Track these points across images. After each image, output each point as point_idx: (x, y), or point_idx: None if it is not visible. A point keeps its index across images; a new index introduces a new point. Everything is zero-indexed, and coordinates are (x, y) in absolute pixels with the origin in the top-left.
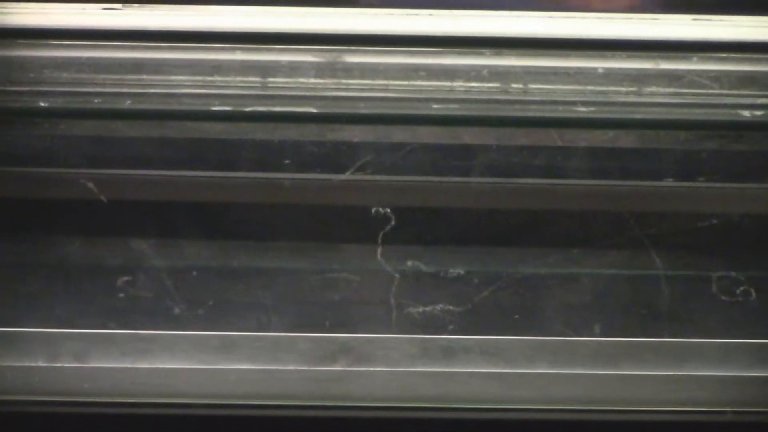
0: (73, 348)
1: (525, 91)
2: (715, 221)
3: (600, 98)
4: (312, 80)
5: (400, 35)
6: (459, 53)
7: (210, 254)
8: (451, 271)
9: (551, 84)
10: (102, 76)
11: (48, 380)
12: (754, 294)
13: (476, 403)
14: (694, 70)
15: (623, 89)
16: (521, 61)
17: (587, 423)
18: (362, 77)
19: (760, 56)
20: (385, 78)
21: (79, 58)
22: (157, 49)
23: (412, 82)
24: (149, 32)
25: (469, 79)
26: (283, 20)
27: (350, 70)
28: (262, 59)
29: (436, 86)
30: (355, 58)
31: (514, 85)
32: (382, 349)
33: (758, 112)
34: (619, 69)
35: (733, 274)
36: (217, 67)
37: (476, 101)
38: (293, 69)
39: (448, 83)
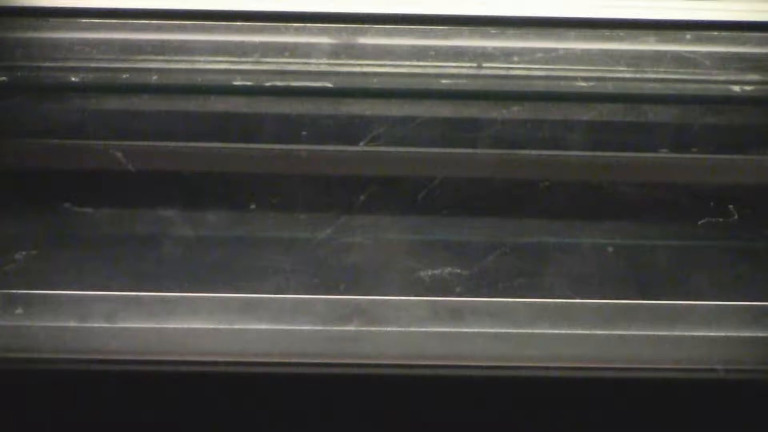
0: (102, 309)
1: (528, 68)
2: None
3: (599, 74)
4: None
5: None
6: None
7: (231, 221)
8: (459, 237)
9: (553, 63)
10: (129, 52)
11: (78, 339)
12: None
13: (482, 361)
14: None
15: (621, 66)
16: (523, 41)
17: (587, 380)
18: (375, 56)
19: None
20: (397, 58)
21: (108, 36)
22: (181, 27)
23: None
24: (174, 11)
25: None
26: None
27: (364, 49)
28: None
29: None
30: (368, 37)
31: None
32: (394, 311)
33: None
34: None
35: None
36: (239, 45)
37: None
38: (310, 47)
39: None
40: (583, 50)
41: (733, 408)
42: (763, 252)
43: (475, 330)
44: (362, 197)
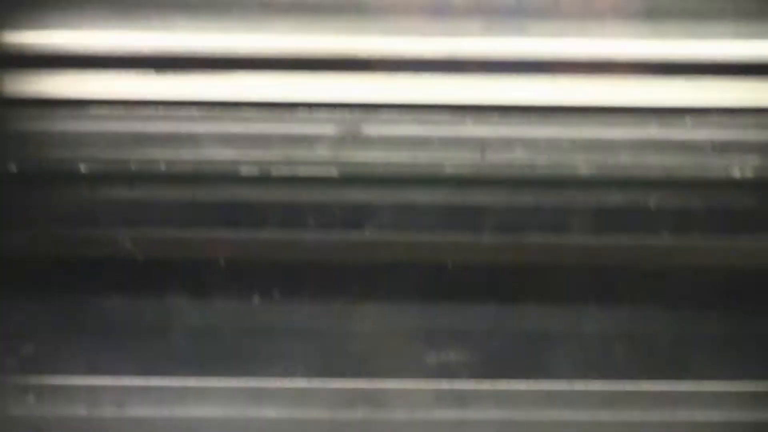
0: (112, 397)
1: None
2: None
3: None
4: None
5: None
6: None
7: (238, 308)
8: (462, 324)
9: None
10: (137, 141)
11: (89, 429)
12: None
13: None
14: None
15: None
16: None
17: None
18: (381, 144)
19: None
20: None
21: (116, 125)
22: (188, 116)
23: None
24: (181, 100)
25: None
26: (306, 87)
27: (369, 137)
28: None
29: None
30: (374, 125)
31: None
32: (400, 396)
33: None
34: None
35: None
36: (246, 135)
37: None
38: (316, 136)
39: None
40: (585, 136)
41: None
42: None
43: (482, 417)
44: (367, 283)
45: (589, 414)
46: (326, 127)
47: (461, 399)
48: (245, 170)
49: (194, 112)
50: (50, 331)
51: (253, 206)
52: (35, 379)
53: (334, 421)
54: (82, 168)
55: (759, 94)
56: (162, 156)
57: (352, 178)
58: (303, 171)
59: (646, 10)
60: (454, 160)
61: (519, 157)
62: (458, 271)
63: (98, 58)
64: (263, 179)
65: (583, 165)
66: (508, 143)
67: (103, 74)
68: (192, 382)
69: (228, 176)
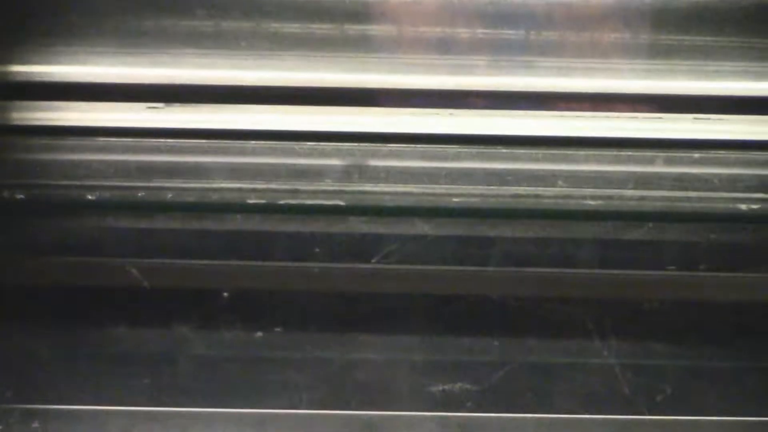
0: (118, 424)
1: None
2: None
3: (607, 192)
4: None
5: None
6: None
7: (244, 337)
8: (467, 355)
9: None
10: (144, 170)
11: None
12: None
13: None
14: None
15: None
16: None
17: None
18: (386, 177)
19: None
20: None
21: (124, 154)
22: (195, 147)
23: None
24: (188, 130)
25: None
26: (312, 119)
27: (375, 169)
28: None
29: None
30: (377, 158)
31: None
32: (405, 427)
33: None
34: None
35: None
36: (252, 165)
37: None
38: (321, 168)
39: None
40: (591, 170)
41: None
42: None
43: None
44: (373, 313)
45: None
46: (333, 160)
47: (464, 428)
48: (251, 200)
49: (201, 143)
50: (56, 359)
51: (260, 236)
52: (41, 406)
53: None
54: (89, 197)
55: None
56: (169, 185)
57: (359, 210)
58: (309, 202)
59: (653, 47)
60: (460, 192)
61: (525, 189)
62: (464, 302)
63: (106, 89)
64: (270, 209)
65: (588, 198)
66: (513, 176)
67: (111, 105)
68: (197, 410)
69: (234, 206)
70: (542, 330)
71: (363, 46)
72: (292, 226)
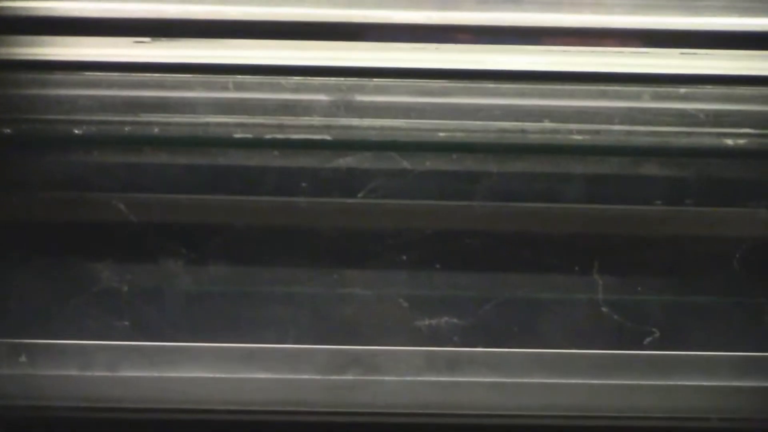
0: (104, 358)
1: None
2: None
3: (594, 127)
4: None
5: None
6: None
7: (230, 272)
8: (454, 290)
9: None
10: (131, 105)
11: (81, 388)
12: None
13: (478, 410)
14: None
15: (616, 120)
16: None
17: (582, 429)
18: (373, 112)
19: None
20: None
21: (111, 89)
22: (182, 81)
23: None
24: (175, 65)
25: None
26: (298, 54)
27: (361, 104)
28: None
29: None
30: (364, 93)
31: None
32: (391, 360)
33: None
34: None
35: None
36: (239, 100)
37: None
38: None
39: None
40: (577, 105)
41: None
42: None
43: (472, 380)
44: (360, 248)
45: (579, 378)
46: (319, 95)
47: (450, 363)
48: (238, 135)
49: (188, 77)
50: (44, 294)
51: (246, 171)
52: (27, 341)
53: (326, 383)
54: (76, 131)
55: (753, 64)
56: (155, 120)
57: (345, 144)
58: (296, 136)
59: None
60: (446, 127)
61: (511, 124)
62: (450, 236)
63: (92, 24)
64: (256, 144)
65: (575, 133)
66: (500, 111)
67: (98, 39)
68: (184, 344)
69: (221, 141)
70: (529, 265)
71: None
72: (279, 160)
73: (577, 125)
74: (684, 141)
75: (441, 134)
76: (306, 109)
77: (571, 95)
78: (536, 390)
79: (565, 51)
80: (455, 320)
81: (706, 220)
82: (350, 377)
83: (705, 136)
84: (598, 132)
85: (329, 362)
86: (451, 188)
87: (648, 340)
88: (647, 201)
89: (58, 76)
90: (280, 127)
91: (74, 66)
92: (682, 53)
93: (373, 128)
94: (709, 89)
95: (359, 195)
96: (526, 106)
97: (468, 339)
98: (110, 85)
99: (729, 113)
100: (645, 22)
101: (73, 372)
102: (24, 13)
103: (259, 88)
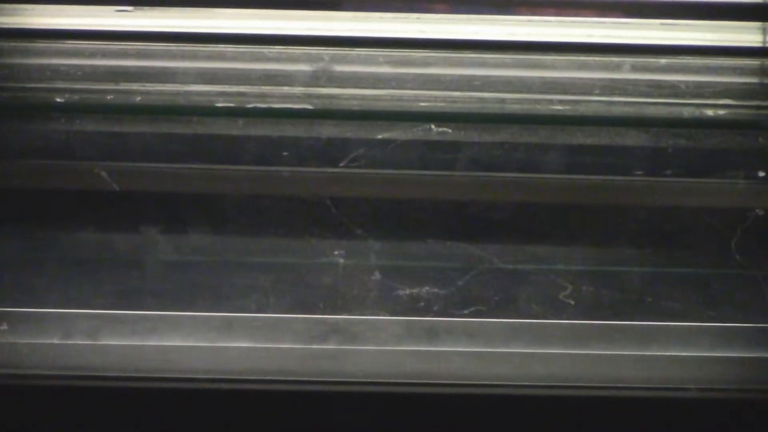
0: (85, 327)
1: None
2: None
3: (574, 97)
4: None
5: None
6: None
7: (211, 241)
8: (437, 258)
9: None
10: (113, 74)
11: (62, 356)
12: None
13: (457, 379)
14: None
15: (596, 90)
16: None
17: (561, 398)
18: (354, 81)
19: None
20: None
21: (93, 57)
22: (164, 50)
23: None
24: (157, 33)
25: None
26: (280, 24)
27: (343, 73)
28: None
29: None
30: (345, 63)
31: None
32: (371, 330)
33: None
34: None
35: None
36: (221, 69)
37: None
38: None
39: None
40: (558, 75)
41: (705, 425)
42: (740, 278)
43: (451, 349)
44: (341, 218)
45: (557, 348)
46: (301, 64)
47: (430, 332)
48: (220, 104)
49: (170, 46)
50: (25, 262)
51: (228, 140)
52: (9, 309)
53: (305, 351)
54: (58, 99)
55: (733, 36)
56: (137, 89)
57: (327, 113)
58: (278, 105)
59: None
60: (427, 97)
61: (491, 95)
62: (431, 206)
63: None
64: (238, 113)
65: (556, 103)
66: (480, 81)
67: (80, 8)
68: (165, 313)
69: (203, 109)
70: (509, 235)
71: None
72: (261, 129)
73: (558, 96)
74: (664, 111)
75: (422, 104)
76: (287, 78)
77: (552, 65)
78: (515, 359)
79: (545, 21)
80: (435, 290)
81: (685, 191)
82: (330, 346)
83: (685, 107)
84: (578, 102)
85: (309, 331)
86: (431, 158)
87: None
88: (627, 172)
89: (40, 44)
90: (262, 96)
91: (56, 34)
92: (662, 24)
93: (354, 98)
94: (689, 60)
95: (341, 164)
96: (507, 76)
97: (447, 308)
98: (92, 53)
99: (709, 84)
100: None
101: (55, 340)
102: None
103: (241, 57)
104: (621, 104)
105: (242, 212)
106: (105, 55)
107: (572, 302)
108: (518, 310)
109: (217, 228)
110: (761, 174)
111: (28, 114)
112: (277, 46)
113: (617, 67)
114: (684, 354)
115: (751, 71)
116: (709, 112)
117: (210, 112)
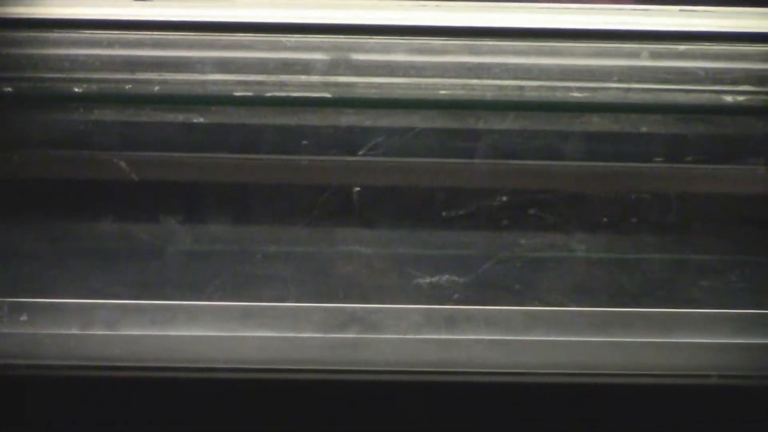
0: (105, 317)
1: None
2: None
3: (593, 84)
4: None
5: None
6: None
7: (231, 229)
8: (457, 246)
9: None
10: (131, 63)
11: (82, 346)
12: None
13: (477, 367)
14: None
15: (614, 77)
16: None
17: (581, 386)
18: (373, 70)
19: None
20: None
21: (111, 47)
22: (182, 39)
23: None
24: (174, 23)
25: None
26: (298, 12)
27: (362, 61)
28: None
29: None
30: (364, 51)
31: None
32: (391, 319)
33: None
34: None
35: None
36: (239, 58)
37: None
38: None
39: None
40: (577, 63)
41: (726, 412)
42: (763, 265)
43: (471, 337)
44: (361, 206)
45: (577, 336)
46: (319, 53)
47: (450, 320)
48: (238, 93)
49: (188, 36)
50: (45, 252)
51: (247, 129)
52: (29, 300)
53: (326, 341)
54: (77, 89)
55: (752, 22)
56: (156, 78)
57: (346, 102)
58: (296, 94)
59: None
60: (446, 84)
61: (510, 82)
62: (451, 194)
63: None
64: (257, 102)
65: (574, 90)
66: (499, 69)
67: None
68: (184, 303)
69: (222, 99)
70: (529, 223)
71: None
72: (280, 118)
73: (577, 83)
74: (683, 98)
75: (441, 92)
76: (306, 66)
77: (571, 53)
78: (535, 347)
79: (565, 8)
80: (455, 278)
81: (706, 177)
82: (350, 335)
83: (704, 93)
84: (596, 90)
85: (329, 320)
86: (451, 146)
87: (644, 296)
88: (647, 159)
89: (59, 34)
90: (280, 85)
91: (74, 24)
92: (681, 10)
93: (373, 86)
94: (708, 46)
95: (360, 153)
96: (526, 64)
97: (468, 296)
98: (110, 43)
99: (728, 71)
100: None
101: (74, 330)
102: None
103: (259, 46)
104: (639, 91)
105: (261, 201)
106: (123, 45)
107: (596, 290)
108: (539, 298)
109: (236, 217)
110: None
111: (47, 104)
112: (295, 35)
113: (635, 54)
114: (705, 341)
115: None
116: (728, 99)
117: (228, 101)
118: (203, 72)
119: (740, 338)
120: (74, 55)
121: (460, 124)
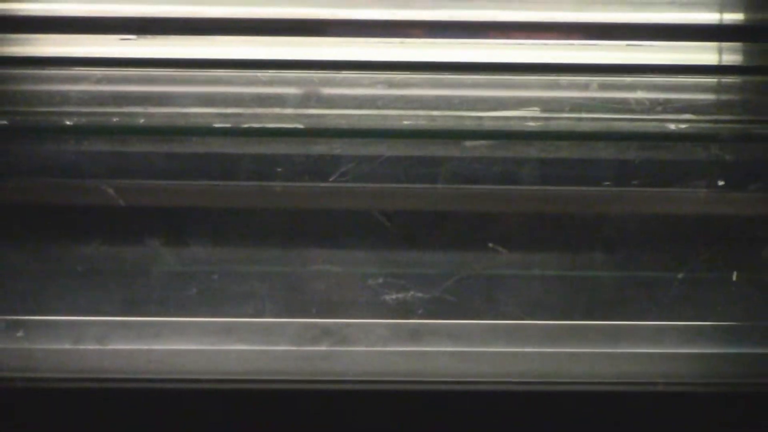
0: (95, 332)
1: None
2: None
3: (546, 114)
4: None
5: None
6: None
7: (211, 252)
8: (421, 265)
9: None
10: (118, 98)
11: (74, 360)
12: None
13: (440, 377)
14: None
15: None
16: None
17: (537, 394)
18: (342, 102)
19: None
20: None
21: (99, 83)
22: (165, 75)
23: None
24: (158, 60)
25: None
26: (272, 50)
27: (332, 95)
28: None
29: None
30: (333, 85)
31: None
32: (360, 333)
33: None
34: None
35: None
36: (218, 93)
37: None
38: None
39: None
40: (531, 95)
41: (672, 418)
42: (704, 280)
43: (434, 349)
44: (332, 229)
45: (533, 347)
46: (292, 87)
47: (414, 334)
48: (218, 124)
49: (171, 71)
50: (38, 273)
51: (225, 158)
52: (25, 317)
53: (300, 353)
54: (68, 122)
55: (693, 56)
56: (141, 111)
57: (317, 132)
58: (271, 125)
59: None
60: (410, 115)
61: (469, 113)
62: (415, 217)
63: (81, 22)
64: (234, 132)
65: (529, 120)
66: (459, 100)
67: (86, 37)
68: (168, 319)
69: (202, 130)
70: (488, 242)
71: None
72: (256, 148)
73: (531, 112)
74: (630, 126)
75: (405, 122)
76: (280, 100)
77: (525, 85)
78: (494, 358)
79: (519, 44)
80: (420, 294)
81: (650, 200)
82: (322, 348)
83: (650, 122)
84: (549, 119)
85: (302, 334)
86: (415, 172)
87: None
88: (596, 182)
89: (50, 71)
90: (256, 117)
91: (65, 62)
92: (628, 44)
93: (342, 117)
94: (653, 78)
95: (330, 179)
96: (483, 95)
97: (431, 311)
98: (99, 79)
99: (672, 100)
100: (594, 17)
101: (66, 345)
102: (16, 12)
103: (237, 81)
104: (589, 120)
105: (238, 224)
106: (110, 80)
107: (550, 305)
108: (498, 312)
109: (215, 239)
110: (721, 183)
111: (40, 136)
112: (269, 71)
113: (586, 86)
114: (652, 351)
115: (709, 88)
116: (672, 126)
117: (208, 132)
118: (185, 105)
119: (684, 348)
120: (65, 90)
121: (424, 152)
